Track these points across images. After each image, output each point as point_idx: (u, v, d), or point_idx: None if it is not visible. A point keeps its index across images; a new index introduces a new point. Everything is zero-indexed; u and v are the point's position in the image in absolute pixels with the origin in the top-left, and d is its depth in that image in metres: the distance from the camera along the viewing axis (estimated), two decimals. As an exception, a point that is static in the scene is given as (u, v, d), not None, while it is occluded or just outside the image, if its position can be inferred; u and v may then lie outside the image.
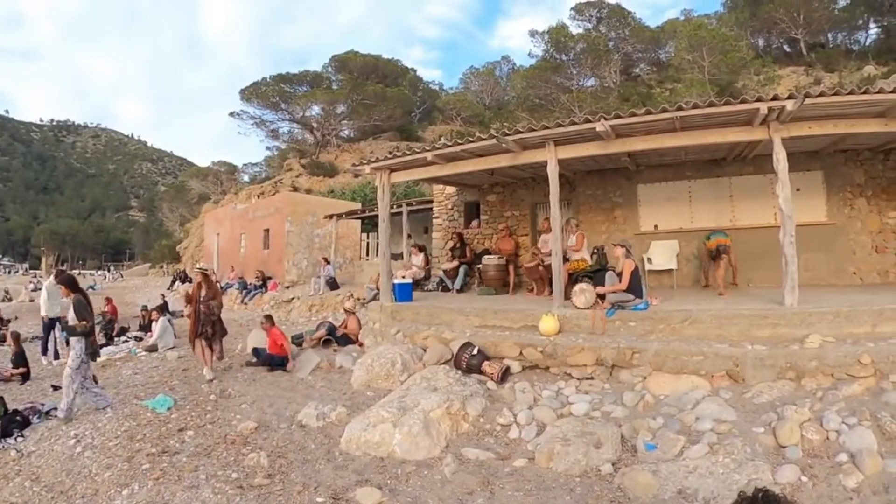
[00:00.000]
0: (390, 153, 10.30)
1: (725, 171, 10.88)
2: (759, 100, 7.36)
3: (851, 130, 7.92)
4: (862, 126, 7.78)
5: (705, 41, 32.92)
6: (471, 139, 9.21)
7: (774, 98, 7.27)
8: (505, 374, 7.48)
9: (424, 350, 8.56)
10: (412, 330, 9.30)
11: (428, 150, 9.59)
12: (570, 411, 6.48)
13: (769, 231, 10.17)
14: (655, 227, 11.39)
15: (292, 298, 17.56)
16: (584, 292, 8.42)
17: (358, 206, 23.58)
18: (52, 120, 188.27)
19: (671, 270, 10.87)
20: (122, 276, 50.32)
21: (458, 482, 4.95)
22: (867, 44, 43.78)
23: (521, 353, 7.91)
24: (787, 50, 45.71)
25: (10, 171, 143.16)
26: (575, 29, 46.79)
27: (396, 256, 17.17)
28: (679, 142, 8.30)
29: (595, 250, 10.20)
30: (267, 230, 22.48)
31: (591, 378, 7.35)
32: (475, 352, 7.69)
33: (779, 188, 7.80)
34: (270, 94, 46.26)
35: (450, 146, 9.40)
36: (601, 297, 8.38)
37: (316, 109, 46.68)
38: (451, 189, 14.25)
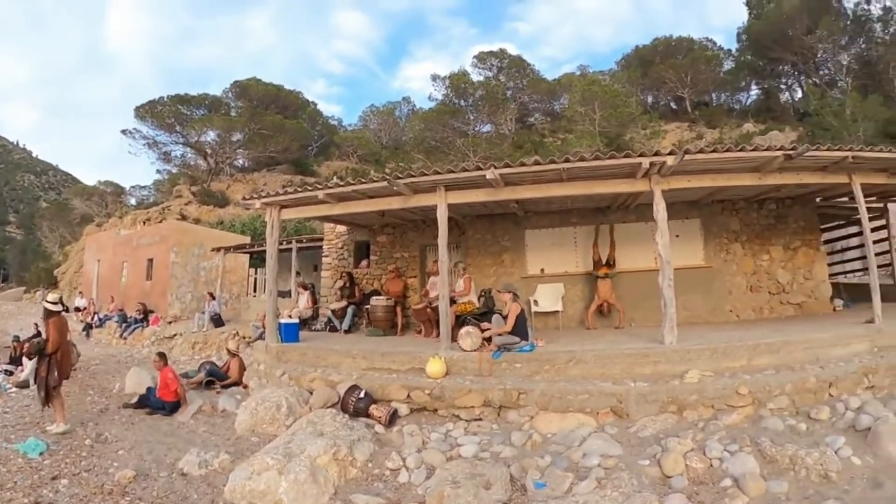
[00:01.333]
0: (282, 188, 10.33)
1: (609, 219, 11.79)
2: (642, 155, 8.21)
3: (728, 184, 8.92)
4: (738, 180, 8.80)
5: (597, 95, 35.44)
6: (363, 180, 9.47)
7: (657, 154, 8.19)
8: (393, 418, 7.60)
9: (311, 393, 8.53)
10: (298, 372, 9.28)
11: (320, 189, 9.66)
12: (459, 453, 6.62)
13: (650, 274, 11.06)
14: (542, 270, 12.06)
15: (175, 335, 16.95)
16: (469, 335, 8.75)
17: (247, 239, 23.37)
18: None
19: (557, 312, 11.49)
20: None
21: None
22: (748, 104, 50.11)
23: (408, 395, 8.09)
24: (674, 107, 51.05)
25: None
26: (476, 76, 49.67)
27: (285, 294, 17.01)
28: (566, 191, 9.01)
29: (482, 293, 10.60)
30: (151, 260, 21.92)
31: (480, 419, 7.61)
32: (362, 395, 7.78)
33: (658, 236, 8.58)
34: (166, 114, 45.44)
35: (342, 186, 9.59)
36: (488, 339, 8.76)
37: (212, 135, 45.90)
38: (341, 228, 14.39)
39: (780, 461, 5.83)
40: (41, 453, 6.94)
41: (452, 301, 10.38)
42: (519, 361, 8.33)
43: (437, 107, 47.36)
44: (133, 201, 53.94)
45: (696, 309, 11.38)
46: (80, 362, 13.04)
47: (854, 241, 14.54)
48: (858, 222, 14.02)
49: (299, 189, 10.04)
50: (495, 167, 8.48)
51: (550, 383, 7.79)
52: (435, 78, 49.85)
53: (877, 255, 14.33)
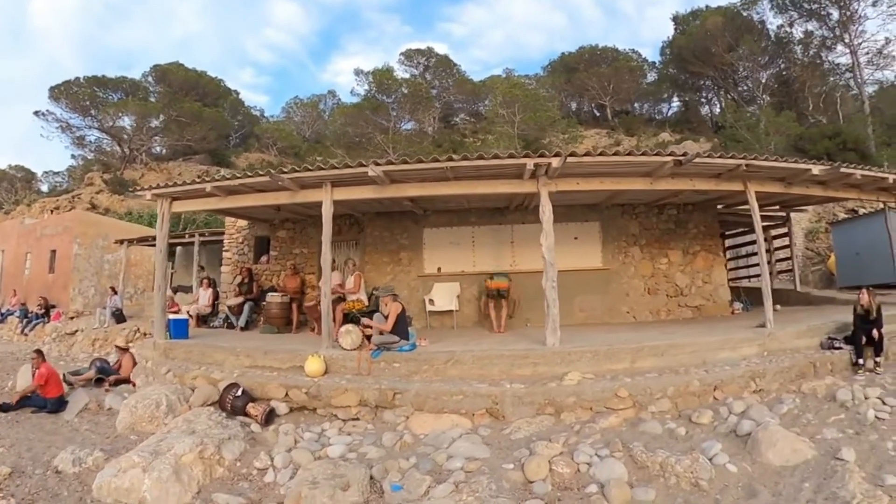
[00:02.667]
0: (171, 181, 9.63)
1: (508, 219, 11.16)
2: (527, 156, 7.72)
3: (618, 187, 8.36)
4: (629, 184, 8.26)
5: (518, 98, 35.08)
6: (249, 174, 8.79)
7: (541, 155, 7.68)
8: (269, 416, 7.06)
9: (193, 391, 7.99)
10: (183, 369, 8.51)
11: (207, 182, 8.95)
12: (327, 453, 6.17)
13: (547, 275, 10.93)
14: (439, 269, 11.29)
15: (76, 331, 15.66)
16: (350, 333, 8.05)
17: (151, 231, 20.57)
18: None
19: (452, 311, 10.77)
20: None
21: None
22: (669, 115, 50.52)
23: (287, 394, 7.53)
24: (597, 114, 50.50)
25: None
26: (403, 73, 47.51)
27: (188, 289, 16.06)
28: (452, 190, 8.41)
29: (374, 291, 10.02)
30: (54, 251, 20.32)
31: (357, 419, 7.15)
32: (239, 393, 7.22)
33: (543, 237, 8.00)
34: (82, 96, 41.58)
35: (228, 179, 8.85)
36: (368, 338, 8.22)
37: (128, 121, 42.49)
38: (242, 222, 13.48)
39: (650, 468, 5.41)
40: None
41: (342, 298, 9.70)
42: (398, 361, 7.75)
43: (359, 102, 45.21)
44: (45, 188, 49.23)
45: (593, 310, 10.82)
46: None
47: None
48: (763, 228, 14.31)
49: (188, 182, 9.26)
50: (377, 164, 7.96)
51: (426, 384, 7.27)
52: (358, 73, 47.78)
53: (780, 261, 14.71)
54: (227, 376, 7.99)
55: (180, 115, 41.65)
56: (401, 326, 8.09)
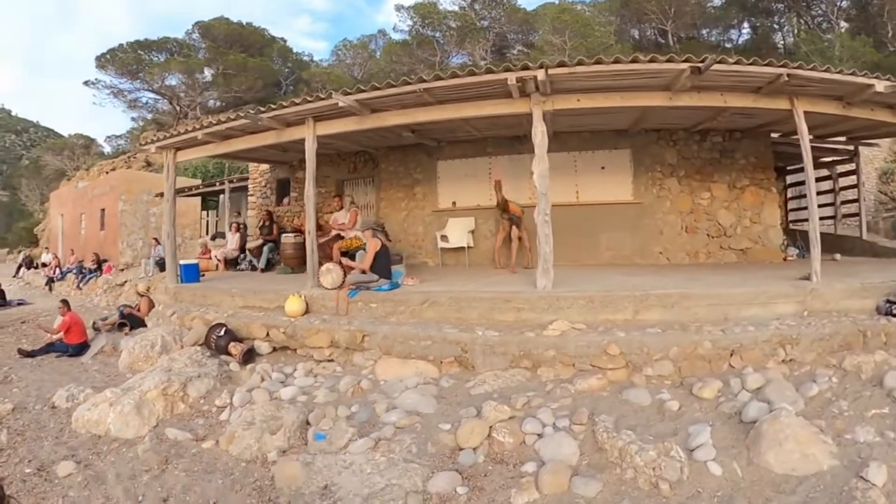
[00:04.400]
0: (170, 132, 8.67)
1: (527, 148, 8.64)
2: (507, 69, 5.78)
3: (628, 104, 6.21)
4: (642, 99, 6.13)
5: (568, 25, 30.06)
6: (231, 117, 7.58)
7: (524, 67, 5.70)
8: (248, 355, 6.27)
9: (189, 331, 7.35)
10: (184, 311, 7.82)
11: (198, 130, 7.92)
12: (279, 395, 5.39)
13: (569, 209, 8.59)
14: (454, 204, 9.50)
15: (125, 282, 14.94)
16: (330, 272, 6.83)
17: (194, 182, 20.48)
18: None
19: (466, 248, 9.10)
20: None
21: (142, 460, 4.42)
22: (738, 41, 40.44)
23: (268, 334, 6.63)
24: (660, 41, 43.04)
25: None
26: (449, 5, 40.41)
27: (223, 235, 15.07)
28: (433, 116, 6.72)
29: (374, 227, 8.57)
30: (103, 210, 19.72)
31: (331, 360, 6.16)
32: (222, 333, 6.50)
33: (535, 163, 6.18)
34: (128, 61, 38.63)
35: (215, 125, 7.72)
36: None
37: (177, 79, 40.07)
38: (264, 166, 12.35)
39: (608, 452, 3.87)
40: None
41: (339, 237, 8.48)
42: (374, 301, 6.47)
43: (403, 39, 39.90)
44: (110, 150, 47.83)
45: (620, 249, 8.71)
46: (30, 314, 12.00)
47: (825, 186, 11.15)
48: (827, 164, 10.99)
49: (181, 133, 8.24)
50: (348, 93, 6.53)
51: (395, 326, 5.98)
52: (399, 8, 42.73)
53: (846, 202, 11.07)
54: (219, 317, 7.22)
55: (226, 67, 38.94)
56: (380, 264, 6.71)
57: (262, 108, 7.15)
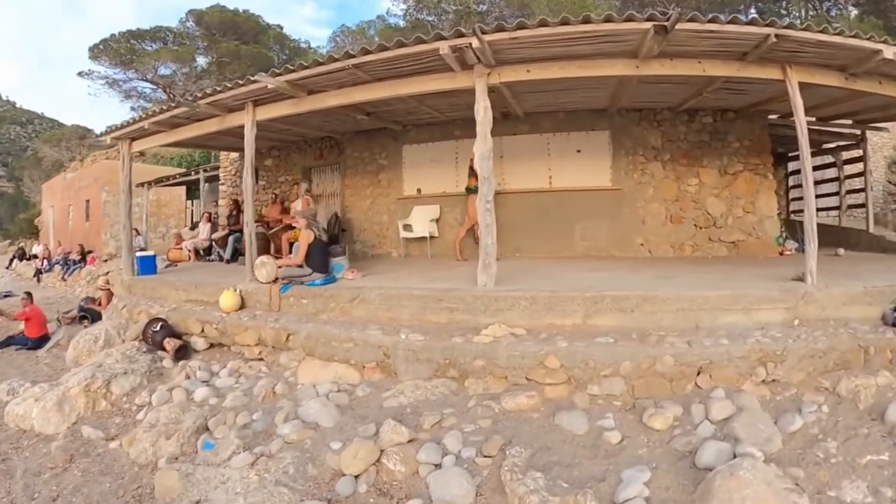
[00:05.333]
0: (124, 122, 7.61)
1: (496, 130, 7.41)
2: (439, 38, 4.62)
3: (588, 73, 4.92)
4: (605, 68, 4.85)
5: (566, 8, 27.05)
6: (172, 104, 6.67)
7: (459, 35, 4.52)
8: (181, 352, 5.55)
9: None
10: (133, 305, 7.02)
11: (144, 119, 7.04)
12: (193, 396, 4.71)
13: (541, 196, 7.43)
14: (419, 190, 8.31)
15: (108, 272, 13.64)
16: (264, 265, 5.82)
17: (172, 171, 18.75)
18: None
19: (430, 238, 7.91)
20: None
21: (52, 456, 4.12)
22: None
23: (202, 329, 5.83)
24: None
25: None
26: None
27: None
28: (370, 95, 5.63)
29: (332, 217, 7.55)
30: (88, 201, 18.71)
31: (261, 359, 5.34)
32: (158, 328, 5.80)
33: (476, 144, 5.01)
34: (121, 51, 35.78)
35: (158, 113, 6.84)
36: None
37: (171, 68, 37.13)
38: (234, 154, 11.18)
39: (509, 497, 2.90)
40: None
41: (290, 227, 7.50)
42: (306, 297, 5.49)
43: (397, 24, 36.10)
44: (109, 141, 47.10)
45: (596, 239, 7.41)
46: (12, 305, 10.76)
47: (830, 173, 9.42)
48: (832, 150, 9.27)
49: (130, 122, 7.34)
50: (276, 72, 5.49)
51: (319, 325, 5.04)
52: None
53: (851, 192, 9.33)
54: (163, 310, 6.45)
55: (220, 55, 36.05)
56: (314, 257, 5.69)
57: (200, 95, 6.18)
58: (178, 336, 5.75)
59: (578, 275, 5.55)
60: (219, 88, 6.03)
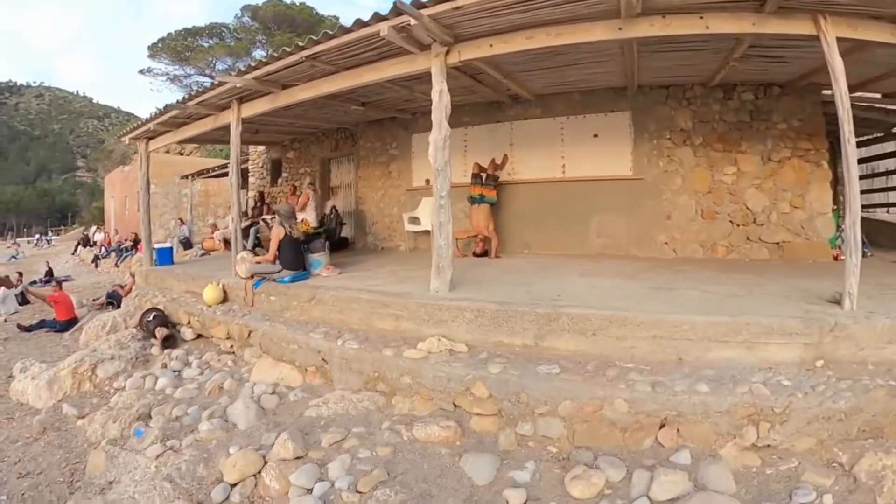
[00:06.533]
0: (136, 123, 7.60)
1: (507, 115, 6.61)
2: (380, 19, 3.76)
3: (560, 42, 3.74)
4: (580, 34, 3.65)
5: None
6: (169, 107, 6.28)
7: (398, 13, 3.60)
8: (168, 341, 5.33)
9: None
10: (143, 294, 6.92)
11: (151, 121, 6.79)
12: (155, 384, 4.53)
13: (553, 187, 6.28)
14: (427, 181, 7.23)
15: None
16: (244, 260, 5.40)
17: (214, 162, 18.72)
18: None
19: (432, 232, 7.04)
20: (48, 243, 36.81)
21: (31, 428, 4.13)
22: None
23: (189, 321, 5.63)
24: None
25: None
26: None
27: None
28: (335, 86, 4.90)
29: (332, 210, 6.94)
30: (139, 192, 18.66)
31: (232, 353, 5.01)
32: (152, 317, 5.64)
33: (433, 132, 4.08)
34: (178, 48, 34.52)
35: (159, 115, 6.54)
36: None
37: (226, 63, 34.87)
38: (261, 147, 10.85)
39: None
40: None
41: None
42: (274, 294, 5.00)
43: None
44: (128, 142, 44.53)
45: (614, 237, 6.09)
46: (69, 289, 10.68)
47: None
48: None
49: (141, 124, 7.18)
50: (242, 71, 5.10)
51: (273, 324, 4.60)
52: None
53: None
54: (165, 300, 6.28)
55: (274, 49, 35.17)
56: (284, 254, 5.15)
57: (189, 96, 5.91)
58: (168, 326, 5.55)
59: (568, 280, 4.47)
60: (200, 91, 5.72)
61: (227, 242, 9.57)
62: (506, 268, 5.28)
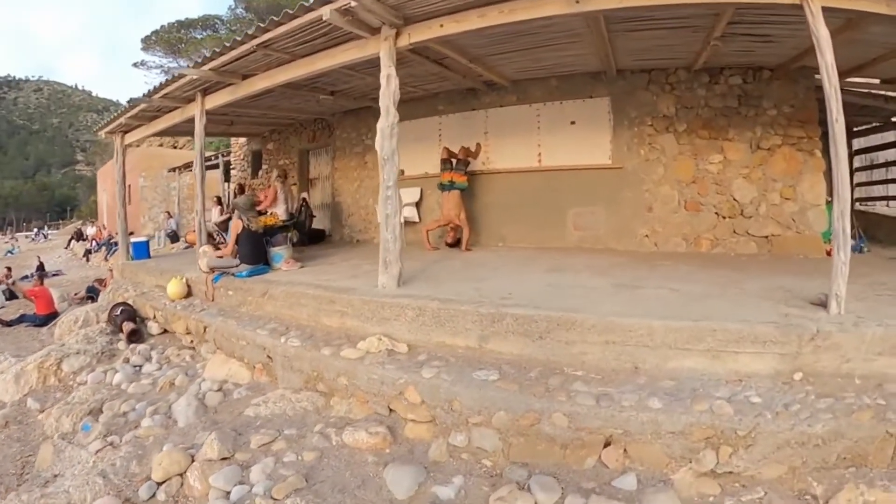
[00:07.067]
0: (110, 118, 7.24)
1: (482, 102, 6.10)
2: (325, 2, 3.38)
3: (511, 18, 3.29)
4: (535, 9, 3.20)
5: None
6: (137, 100, 6.01)
7: None
8: (133, 335, 5.00)
9: None
10: (117, 287, 6.62)
11: (124, 114, 6.53)
12: (112, 380, 4.26)
13: (530, 176, 5.79)
14: (402, 172, 6.58)
15: None
16: (205, 255, 5.06)
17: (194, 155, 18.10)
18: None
19: (413, 223, 6.50)
20: (45, 237, 35.56)
21: None
22: None
23: (154, 315, 5.30)
24: None
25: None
26: None
27: None
28: (291, 74, 4.54)
29: (303, 203, 6.53)
30: (129, 186, 17.93)
31: (193, 348, 4.71)
32: (119, 312, 5.32)
33: (381, 120, 3.71)
34: (171, 40, 33.09)
35: (128, 110, 6.33)
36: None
37: None
38: (242, 139, 10.33)
39: None
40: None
41: (261, 213, 6.59)
42: (231, 289, 4.66)
43: None
44: (104, 136, 41.67)
45: (592, 228, 5.57)
46: (50, 281, 10.81)
47: None
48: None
49: (114, 118, 6.89)
50: (198, 63, 4.83)
51: (225, 319, 4.30)
52: None
53: None
54: (134, 295, 5.98)
55: None
56: (243, 248, 4.82)
57: (153, 89, 5.56)
58: (136, 320, 5.23)
59: (532, 276, 4.03)
60: (164, 82, 5.37)
61: (210, 236, 9.23)
62: (471, 262, 4.84)
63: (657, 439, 2.18)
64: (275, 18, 3.77)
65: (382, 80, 3.62)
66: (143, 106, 5.88)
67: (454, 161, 5.66)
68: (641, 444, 2.21)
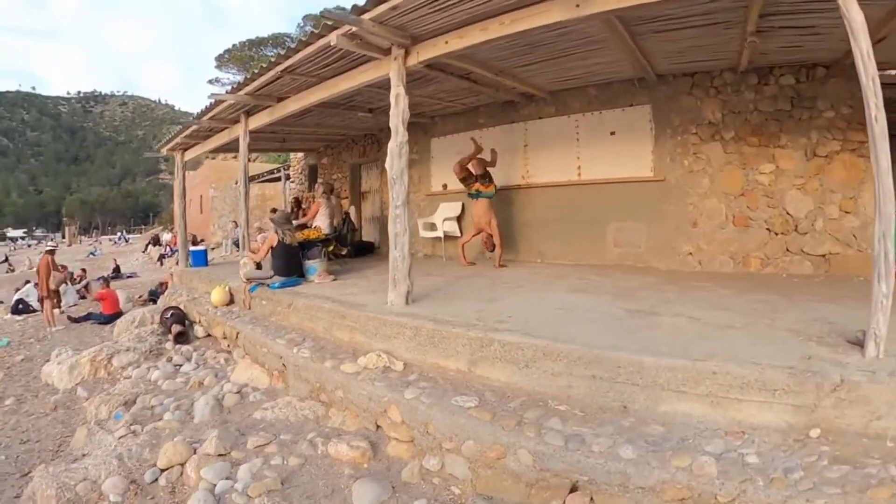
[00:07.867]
0: (169, 137, 7.88)
1: (521, 115, 5.84)
2: (331, 28, 3.42)
3: (516, 28, 3.07)
4: (537, 18, 2.97)
5: None
6: (188, 122, 6.60)
7: (361, 10, 3.19)
8: (180, 337, 5.42)
9: None
10: (173, 292, 7.33)
11: (178, 134, 7.09)
12: (152, 376, 4.56)
13: (569, 190, 5.52)
14: (444, 186, 6.71)
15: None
16: (246, 265, 5.39)
17: (263, 167, 18.17)
18: (79, 92, 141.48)
19: (453, 238, 6.29)
20: (126, 241, 37.07)
21: (47, 405, 4.42)
22: None
23: (199, 320, 5.73)
24: None
25: (40, 146, 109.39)
26: None
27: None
28: (317, 96, 4.67)
29: (345, 216, 6.69)
30: (201, 196, 18.93)
31: (230, 352, 4.93)
32: (169, 315, 5.73)
33: (391, 140, 3.66)
34: (243, 58, 33.47)
35: (189, 128, 6.77)
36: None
37: None
38: (300, 154, 10.63)
39: None
40: (8, 344, 6.83)
41: (306, 226, 6.71)
42: (265, 299, 4.88)
43: None
44: (165, 153, 40.94)
45: (632, 244, 5.12)
46: (133, 285, 11.89)
47: None
48: None
49: (171, 137, 7.46)
50: (235, 89, 5.11)
51: (254, 327, 4.45)
52: None
53: None
54: (185, 299, 6.45)
55: None
56: (277, 260, 5.02)
57: (202, 112, 6.08)
58: (184, 323, 5.62)
59: (553, 296, 3.83)
60: (210, 106, 5.81)
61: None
62: (498, 279, 4.68)
63: (624, 493, 1.93)
64: (292, 46, 3.98)
65: (392, 100, 3.63)
66: (194, 127, 6.45)
67: (477, 174, 5.50)
68: (608, 495, 1.96)
